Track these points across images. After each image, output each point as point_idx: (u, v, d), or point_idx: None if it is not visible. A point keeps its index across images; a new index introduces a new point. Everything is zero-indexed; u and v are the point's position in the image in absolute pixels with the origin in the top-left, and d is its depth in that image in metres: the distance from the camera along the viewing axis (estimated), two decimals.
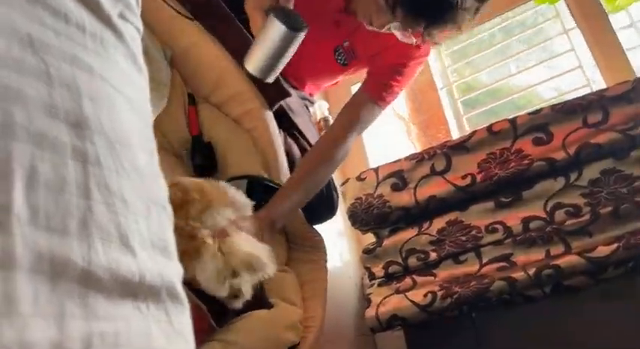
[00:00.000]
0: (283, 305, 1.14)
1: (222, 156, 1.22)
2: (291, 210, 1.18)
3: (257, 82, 1.22)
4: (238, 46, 1.18)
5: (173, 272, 0.42)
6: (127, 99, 0.44)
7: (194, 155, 1.19)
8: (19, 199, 0.33)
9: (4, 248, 0.31)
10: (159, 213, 0.43)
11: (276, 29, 0.94)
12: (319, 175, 1.21)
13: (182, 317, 0.41)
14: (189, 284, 0.84)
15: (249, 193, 1.13)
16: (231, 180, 1.15)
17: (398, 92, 1.27)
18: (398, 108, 2.19)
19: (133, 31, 0.50)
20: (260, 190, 1.18)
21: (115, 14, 0.47)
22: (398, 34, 1.07)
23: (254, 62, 0.98)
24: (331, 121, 2.04)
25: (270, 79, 1.00)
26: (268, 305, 1.11)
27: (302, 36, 0.96)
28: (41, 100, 0.37)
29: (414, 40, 1.08)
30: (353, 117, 1.26)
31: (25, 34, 0.38)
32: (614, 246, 1.17)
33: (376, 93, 1.26)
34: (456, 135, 2.03)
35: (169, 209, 0.45)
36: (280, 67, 0.99)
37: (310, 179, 1.19)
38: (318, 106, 2.02)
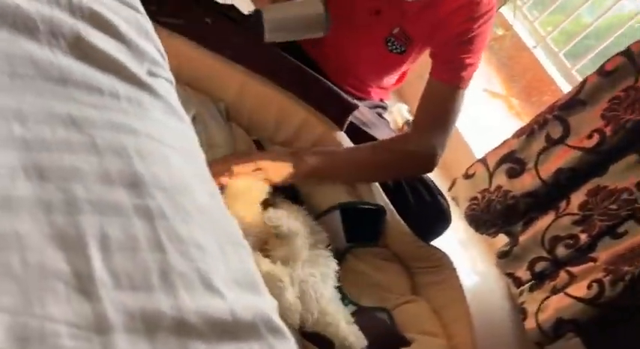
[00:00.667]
0: (423, 339, 1.14)
1: (306, 195, 1.28)
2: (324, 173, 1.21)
3: (317, 104, 1.27)
4: (286, 77, 1.25)
5: (267, 306, 0.47)
6: (174, 150, 0.51)
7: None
8: (98, 267, 0.40)
9: (97, 314, 0.38)
10: (236, 250, 0.49)
11: (313, 6, 1.01)
12: (379, 164, 1.25)
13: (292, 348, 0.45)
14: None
15: (347, 223, 1.17)
16: (320, 216, 1.20)
17: (476, 64, 1.26)
18: (490, 85, 2.16)
19: (165, 83, 0.58)
20: (357, 216, 1.21)
21: (143, 74, 0.55)
22: None
23: (273, 13, 1.04)
24: None
25: (267, 39, 1.06)
26: (406, 343, 1.12)
27: (322, 32, 1.01)
28: (95, 171, 0.44)
29: None
30: (435, 112, 1.27)
31: (65, 115, 0.46)
32: None
33: (450, 76, 1.25)
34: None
35: (246, 244, 0.50)
36: (286, 38, 1.06)
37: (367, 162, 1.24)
38: (396, 110, 2.05)
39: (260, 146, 1.33)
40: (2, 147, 0.42)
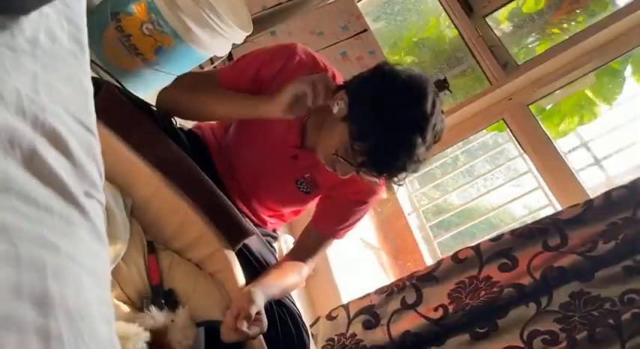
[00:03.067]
0: None
1: (184, 303, 1.26)
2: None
3: (217, 224, 1.31)
4: (199, 194, 1.28)
5: None
6: (89, 272, 0.52)
7: (154, 304, 1.23)
8: None
9: None
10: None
11: None
12: (289, 282, 1.31)
13: None
14: None
15: (212, 339, 1.16)
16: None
17: (354, 226, 1.40)
18: (367, 237, 2.30)
19: (97, 205, 0.59)
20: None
21: (81, 194, 0.57)
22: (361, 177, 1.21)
23: None
24: None
25: None
26: None
27: None
28: (9, 282, 0.44)
29: (377, 181, 1.23)
30: (313, 252, 1.41)
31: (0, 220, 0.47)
32: None
33: (331, 229, 1.41)
34: (429, 260, 2.12)
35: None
36: None
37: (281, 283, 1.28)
38: (283, 241, 2.11)
39: (152, 246, 1.31)
40: None
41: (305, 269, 1.42)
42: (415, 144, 1.10)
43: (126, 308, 1.22)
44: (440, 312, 1.46)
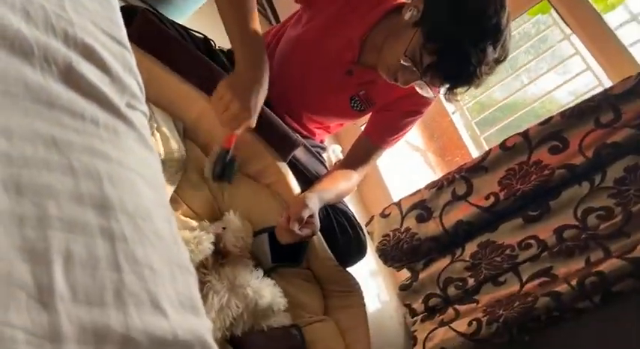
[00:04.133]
0: None
1: (246, 214, 1.28)
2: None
3: (267, 138, 1.29)
4: None
5: (203, 328, 0.48)
6: (141, 177, 0.51)
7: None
8: (59, 281, 0.40)
9: (52, 325, 0.38)
10: (183, 274, 0.49)
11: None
12: (341, 188, 1.32)
13: None
14: None
15: (275, 244, 1.18)
16: (255, 235, 1.21)
17: (405, 135, 1.40)
18: (413, 139, 2.25)
19: (141, 116, 0.58)
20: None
21: (122, 105, 0.55)
22: (418, 89, 1.15)
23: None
24: None
25: None
26: None
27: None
28: (68, 191, 0.44)
29: (433, 95, 1.17)
30: (363, 161, 1.40)
31: (48, 136, 0.46)
32: None
33: (383, 140, 1.39)
34: (476, 155, 2.06)
35: (192, 269, 0.51)
36: None
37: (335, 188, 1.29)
38: (331, 151, 2.10)
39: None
40: None
41: (356, 176, 1.41)
42: (487, 51, 1.04)
43: (193, 223, 1.25)
44: (491, 200, 1.43)
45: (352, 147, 1.47)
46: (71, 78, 0.51)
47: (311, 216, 1.15)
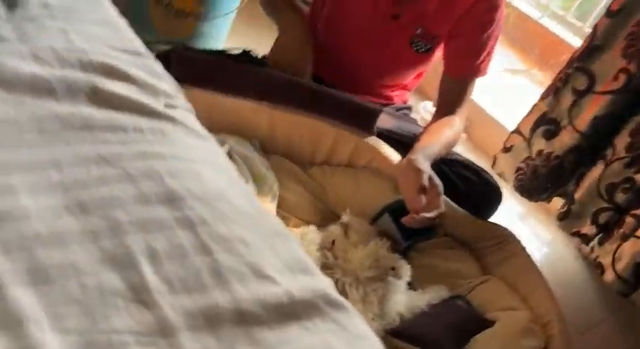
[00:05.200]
0: (505, 315, 1.10)
1: (357, 205, 1.27)
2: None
3: (342, 119, 1.28)
4: (307, 101, 1.27)
5: (322, 284, 0.47)
6: (202, 164, 0.52)
7: None
8: (151, 277, 0.41)
9: (159, 319, 0.38)
10: (281, 240, 0.50)
11: None
12: (445, 136, 1.26)
13: (353, 320, 0.45)
14: None
15: (400, 224, 1.15)
16: (373, 222, 1.20)
17: (491, 54, 1.31)
18: (508, 64, 2.13)
19: (184, 112, 0.60)
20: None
21: (161, 107, 0.58)
22: None
23: None
24: None
25: None
26: (489, 323, 1.08)
27: None
28: (131, 196, 0.46)
29: None
30: (461, 100, 1.34)
31: (95, 155, 0.48)
32: None
33: (470, 68, 1.31)
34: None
35: (290, 234, 0.50)
36: None
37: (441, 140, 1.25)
38: (422, 109, 2.04)
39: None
40: (44, 194, 0.44)
41: (456, 120, 1.34)
42: None
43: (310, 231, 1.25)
44: (622, 78, 1.30)
45: (440, 93, 1.41)
46: (100, 98, 0.54)
47: (430, 179, 1.10)
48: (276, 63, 1.26)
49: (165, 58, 1.29)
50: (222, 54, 1.41)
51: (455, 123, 1.33)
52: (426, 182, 1.07)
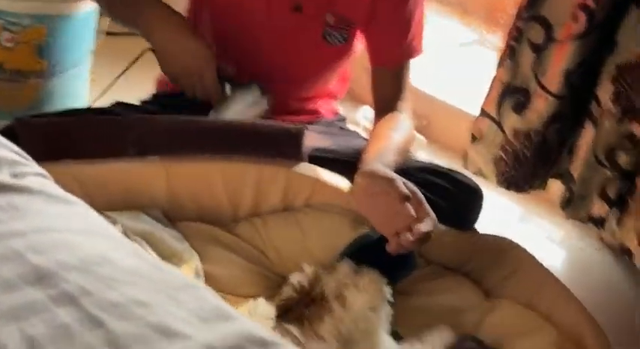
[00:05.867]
0: (528, 342, 1.16)
1: (306, 259, 1.30)
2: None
3: (259, 152, 1.33)
4: (210, 143, 1.32)
5: (245, 326, 0.53)
6: (74, 231, 0.58)
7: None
8: None
9: None
10: (189, 292, 0.55)
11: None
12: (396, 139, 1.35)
13: None
14: None
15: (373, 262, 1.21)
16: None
17: (421, 27, 1.45)
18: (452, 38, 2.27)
19: (36, 178, 0.67)
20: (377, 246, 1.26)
21: (7, 178, 0.63)
22: None
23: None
24: None
25: None
26: None
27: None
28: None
29: None
30: (392, 97, 1.46)
31: None
32: None
33: (400, 49, 1.45)
34: None
35: (197, 283, 0.56)
36: None
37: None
38: (362, 117, 2.13)
39: None
40: None
41: (401, 116, 1.43)
42: None
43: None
44: (582, 17, 1.43)
45: (374, 91, 1.50)
46: None
47: (405, 184, 1.15)
48: (178, 76, 1.32)
49: (10, 135, 1.32)
50: (85, 112, 1.45)
51: (400, 121, 1.41)
52: (404, 188, 1.13)
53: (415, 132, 1.52)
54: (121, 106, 1.45)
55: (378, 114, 1.48)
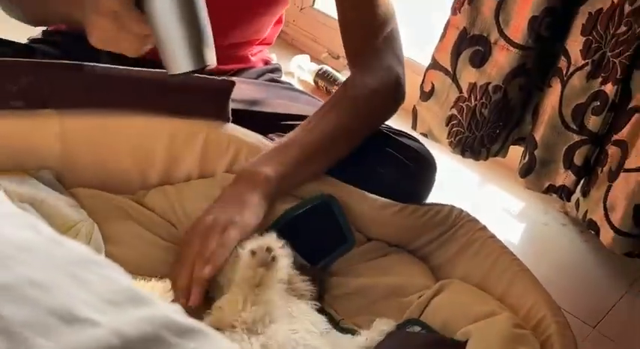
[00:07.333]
0: (479, 328, 1.19)
1: None
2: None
3: (172, 107, 1.31)
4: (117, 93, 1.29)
5: (163, 311, 0.53)
6: None
7: None
8: None
9: None
10: (95, 270, 0.55)
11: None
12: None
13: (215, 344, 0.51)
14: None
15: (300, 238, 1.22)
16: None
17: None
18: None
19: None
20: (307, 221, 1.27)
21: None
22: None
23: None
24: (333, 69, 2.14)
25: (210, 60, 1.18)
26: (461, 345, 1.16)
27: None
28: None
29: None
30: (367, 31, 1.42)
31: None
32: None
33: None
34: None
35: (105, 260, 0.55)
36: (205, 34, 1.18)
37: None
38: (296, 67, 2.13)
39: None
40: None
41: (362, 78, 1.41)
42: None
43: None
44: None
45: (344, 42, 1.48)
46: None
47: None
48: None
49: None
50: None
51: (353, 88, 1.41)
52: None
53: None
54: (2, 45, 1.41)
55: (352, 56, 1.47)
